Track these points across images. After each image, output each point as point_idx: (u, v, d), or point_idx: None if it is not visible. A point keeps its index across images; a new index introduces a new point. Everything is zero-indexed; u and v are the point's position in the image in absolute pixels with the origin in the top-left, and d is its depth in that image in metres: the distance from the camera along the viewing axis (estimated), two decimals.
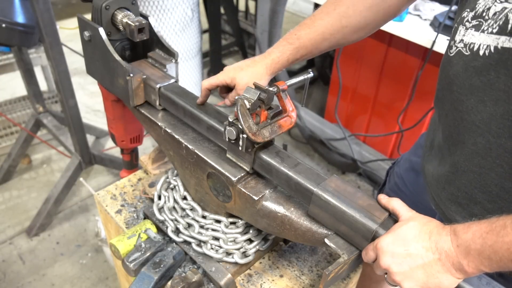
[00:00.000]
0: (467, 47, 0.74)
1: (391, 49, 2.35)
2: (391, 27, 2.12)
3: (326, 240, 0.80)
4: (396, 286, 0.73)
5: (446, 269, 0.68)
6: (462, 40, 0.76)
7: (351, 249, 0.79)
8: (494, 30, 0.69)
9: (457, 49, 0.77)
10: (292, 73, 3.52)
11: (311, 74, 0.88)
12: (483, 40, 0.71)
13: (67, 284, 2.15)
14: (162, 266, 1.01)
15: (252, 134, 0.81)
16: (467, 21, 0.77)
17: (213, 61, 3.80)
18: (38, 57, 2.69)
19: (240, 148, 0.86)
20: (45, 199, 2.41)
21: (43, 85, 3.03)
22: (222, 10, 3.75)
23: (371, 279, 1.39)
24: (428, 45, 1.99)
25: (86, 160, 2.39)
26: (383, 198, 0.79)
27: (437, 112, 0.92)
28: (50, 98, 3.19)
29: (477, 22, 0.74)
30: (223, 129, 0.87)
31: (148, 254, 1.03)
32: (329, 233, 0.82)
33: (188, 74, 2.80)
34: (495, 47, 0.69)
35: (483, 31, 0.71)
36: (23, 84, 2.59)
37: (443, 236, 0.69)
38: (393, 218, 0.77)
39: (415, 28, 2.06)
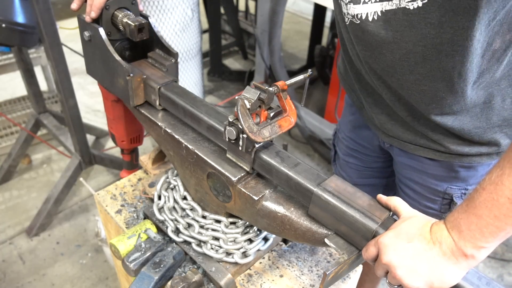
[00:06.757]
0: (355, 17, 0.93)
1: None
2: None
3: (326, 240, 0.80)
4: (396, 286, 0.73)
5: (448, 258, 0.68)
6: (348, 13, 0.95)
7: (351, 249, 0.79)
8: None
9: (349, 20, 0.96)
10: (292, 73, 3.52)
11: (311, 74, 0.88)
12: (369, 9, 0.89)
13: (67, 284, 2.16)
14: (162, 266, 1.01)
15: (252, 134, 0.81)
16: None
17: (213, 61, 3.80)
18: (38, 57, 2.70)
19: (240, 148, 0.86)
20: (45, 199, 2.41)
21: (43, 85, 3.03)
22: (222, 10, 3.75)
23: (372, 280, 1.39)
24: None
25: (86, 160, 2.39)
26: (382, 197, 0.79)
27: (354, 70, 1.15)
28: (50, 98, 3.20)
29: None
30: (223, 129, 0.87)
31: (148, 254, 1.03)
32: (329, 233, 0.82)
33: (188, 74, 2.80)
34: (381, 11, 0.87)
35: (365, 3, 0.89)
36: (23, 84, 2.59)
37: (440, 226, 0.71)
38: (393, 219, 0.77)
39: None
